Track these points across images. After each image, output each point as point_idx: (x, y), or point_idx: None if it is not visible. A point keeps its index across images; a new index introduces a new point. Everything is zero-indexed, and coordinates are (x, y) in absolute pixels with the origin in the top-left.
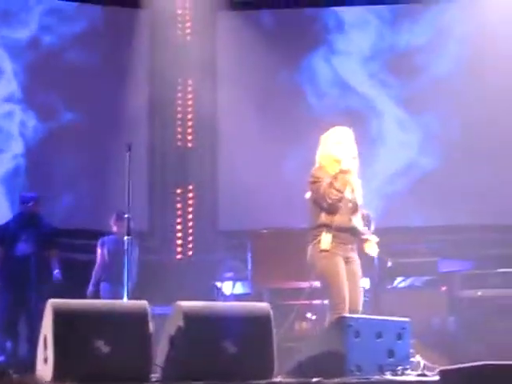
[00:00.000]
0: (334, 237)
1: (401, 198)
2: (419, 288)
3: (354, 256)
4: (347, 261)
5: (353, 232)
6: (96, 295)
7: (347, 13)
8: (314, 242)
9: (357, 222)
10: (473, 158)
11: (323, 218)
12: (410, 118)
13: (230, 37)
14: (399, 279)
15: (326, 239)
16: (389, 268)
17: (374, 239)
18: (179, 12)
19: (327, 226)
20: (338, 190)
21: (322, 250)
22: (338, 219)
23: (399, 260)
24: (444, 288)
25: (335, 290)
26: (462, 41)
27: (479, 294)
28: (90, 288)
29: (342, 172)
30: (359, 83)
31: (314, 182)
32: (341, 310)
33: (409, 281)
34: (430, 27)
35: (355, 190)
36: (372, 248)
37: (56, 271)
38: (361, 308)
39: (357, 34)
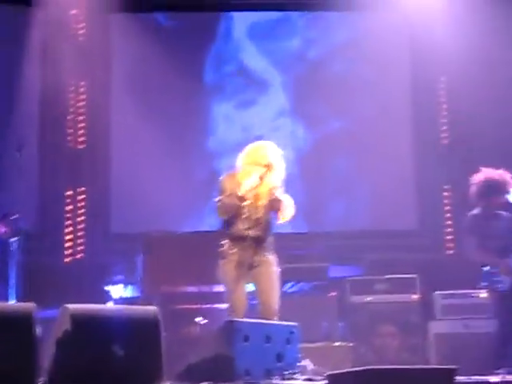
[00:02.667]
0: (233, 244)
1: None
2: (309, 293)
3: (263, 259)
4: (252, 265)
5: (251, 240)
6: None
7: (244, 17)
8: (219, 249)
9: (258, 230)
10: (362, 164)
11: (223, 225)
12: (304, 130)
13: (125, 39)
14: (289, 284)
15: (223, 247)
16: (279, 273)
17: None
18: (73, 12)
19: (226, 234)
20: (231, 208)
21: (221, 258)
22: (235, 228)
23: (290, 265)
24: (334, 293)
25: (227, 295)
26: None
27: (368, 299)
28: None
29: (240, 199)
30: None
31: (219, 190)
32: (231, 313)
33: (299, 286)
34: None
35: (260, 201)
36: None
37: None
38: (276, 309)
39: (255, 38)
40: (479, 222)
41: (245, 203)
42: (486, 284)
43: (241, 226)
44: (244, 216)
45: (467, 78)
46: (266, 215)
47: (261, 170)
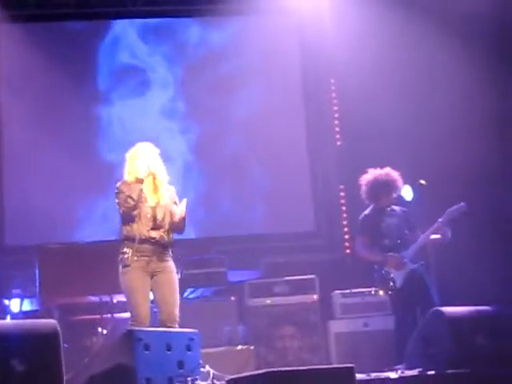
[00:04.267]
0: (136, 251)
1: (190, 210)
2: (209, 298)
3: (165, 266)
4: (155, 273)
5: (155, 243)
6: None
7: (136, 23)
8: (119, 257)
9: (161, 232)
10: (257, 167)
11: (124, 230)
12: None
13: (13, 49)
14: (189, 290)
15: (126, 255)
16: (179, 280)
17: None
18: None
19: (127, 239)
20: (131, 198)
21: (123, 266)
22: (136, 230)
23: (189, 271)
24: (233, 297)
25: (131, 304)
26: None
27: (267, 302)
28: None
29: (137, 181)
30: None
31: (116, 194)
32: (135, 323)
33: (199, 291)
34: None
35: (159, 200)
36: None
37: None
38: (177, 316)
39: (146, 40)
40: (370, 222)
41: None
42: (378, 282)
43: (144, 228)
44: (147, 216)
45: (357, 80)
46: (168, 218)
47: (146, 158)
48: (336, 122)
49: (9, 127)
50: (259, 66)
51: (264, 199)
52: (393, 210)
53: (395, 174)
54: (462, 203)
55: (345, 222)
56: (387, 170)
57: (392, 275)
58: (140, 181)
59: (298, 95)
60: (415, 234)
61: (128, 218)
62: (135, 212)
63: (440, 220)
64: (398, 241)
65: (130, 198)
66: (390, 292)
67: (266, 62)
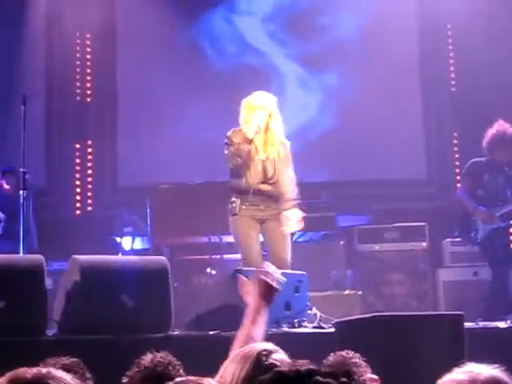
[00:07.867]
0: (244, 201)
1: (301, 154)
2: (318, 242)
3: (274, 213)
4: (265, 220)
5: (265, 195)
6: None
7: None
8: (229, 206)
9: (272, 185)
10: (370, 114)
11: (233, 181)
12: (310, 78)
13: None
14: (298, 234)
15: (234, 204)
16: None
17: (292, 215)
18: None
19: (237, 191)
20: (239, 157)
21: (232, 214)
22: (246, 183)
23: None
24: (342, 242)
25: (240, 249)
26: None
27: (376, 248)
28: None
29: (246, 141)
30: (259, 41)
31: (225, 144)
32: (245, 265)
33: (308, 235)
34: None
35: (269, 154)
36: (288, 224)
37: None
38: (288, 261)
39: None
40: (475, 169)
41: (254, 146)
42: (462, 229)
43: (254, 181)
44: (257, 169)
45: (474, 27)
46: (279, 172)
47: (260, 113)
48: (451, 69)
49: (124, 71)
50: (374, 11)
51: (376, 145)
52: (504, 169)
53: None
54: None
55: (457, 170)
56: None
57: (477, 226)
58: (249, 141)
59: (413, 40)
60: None
61: (235, 172)
62: (242, 169)
63: None
64: (494, 197)
65: (239, 157)
66: (469, 243)
67: (382, 8)
